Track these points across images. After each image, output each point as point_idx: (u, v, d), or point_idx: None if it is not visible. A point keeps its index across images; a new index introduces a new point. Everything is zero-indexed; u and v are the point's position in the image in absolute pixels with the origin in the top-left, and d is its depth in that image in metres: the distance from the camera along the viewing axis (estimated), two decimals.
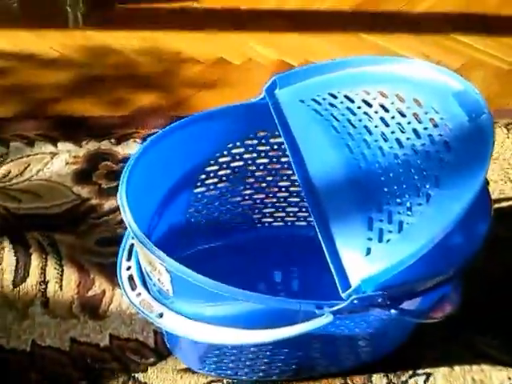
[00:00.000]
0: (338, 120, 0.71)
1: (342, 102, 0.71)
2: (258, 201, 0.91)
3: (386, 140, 0.67)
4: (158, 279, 0.67)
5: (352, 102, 0.71)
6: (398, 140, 0.67)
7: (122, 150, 1.13)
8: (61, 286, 0.92)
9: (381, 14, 1.51)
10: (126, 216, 0.67)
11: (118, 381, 0.81)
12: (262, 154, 0.85)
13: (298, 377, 0.81)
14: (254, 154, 0.85)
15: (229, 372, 0.81)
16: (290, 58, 1.36)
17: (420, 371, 0.83)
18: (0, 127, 1.17)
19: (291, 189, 0.90)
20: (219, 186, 0.87)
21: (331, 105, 0.72)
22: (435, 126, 0.66)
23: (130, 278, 0.75)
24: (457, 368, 0.83)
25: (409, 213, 0.62)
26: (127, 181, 0.70)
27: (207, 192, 0.86)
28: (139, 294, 0.73)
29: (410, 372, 0.83)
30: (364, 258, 0.61)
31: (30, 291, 0.91)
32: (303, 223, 0.94)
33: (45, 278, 0.93)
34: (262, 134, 0.83)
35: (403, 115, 0.68)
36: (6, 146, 1.13)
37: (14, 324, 0.87)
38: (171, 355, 0.84)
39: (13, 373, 0.82)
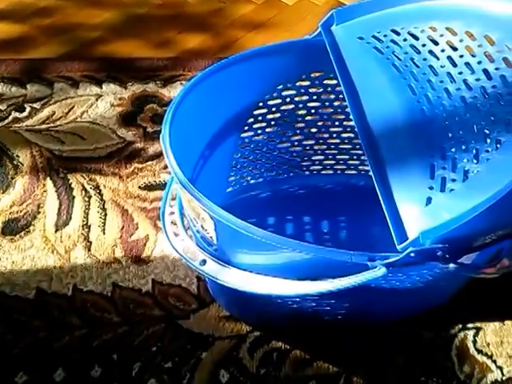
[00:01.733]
0: (400, 59, 0.65)
1: (405, 40, 0.66)
2: (307, 147, 0.88)
3: (452, 81, 0.62)
4: (202, 226, 0.65)
5: (416, 39, 0.65)
6: (465, 81, 0.61)
7: (168, 92, 1.12)
8: (103, 230, 0.91)
9: None
10: (170, 160, 0.64)
11: (160, 327, 0.80)
12: (314, 97, 0.81)
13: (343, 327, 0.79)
14: (306, 97, 0.81)
15: (272, 321, 0.79)
16: None
17: (470, 325, 0.81)
18: (44, 68, 1.16)
19: (343, 135, 0.86)
20: (267, 130, 0.83)
21: (393, 42, 0.66)
22: (509, 66, 0.60)
23: (174, 223, 0.73)
24: (508, 323, 0.81)
25: (475, 160, 0.57)
26: (171, 123, 0.66)
27: (255, 137, 0.83)
28: (182, 240, 0.71)
29: (460, 326, 0.81)
30: (424, 208, 0.57)
31: (72, 235, 0.90)
32: (354, 172, 0.91)
33: (87, 221, 0.92)
34: (315, 74, 0.78)
35: (473, 54, 0.61)
36: (51, 86, 1.13)
37: (56, 268, 0.86)
38: (214, 302, 0.83)
39: (53, 316, 0.81)
